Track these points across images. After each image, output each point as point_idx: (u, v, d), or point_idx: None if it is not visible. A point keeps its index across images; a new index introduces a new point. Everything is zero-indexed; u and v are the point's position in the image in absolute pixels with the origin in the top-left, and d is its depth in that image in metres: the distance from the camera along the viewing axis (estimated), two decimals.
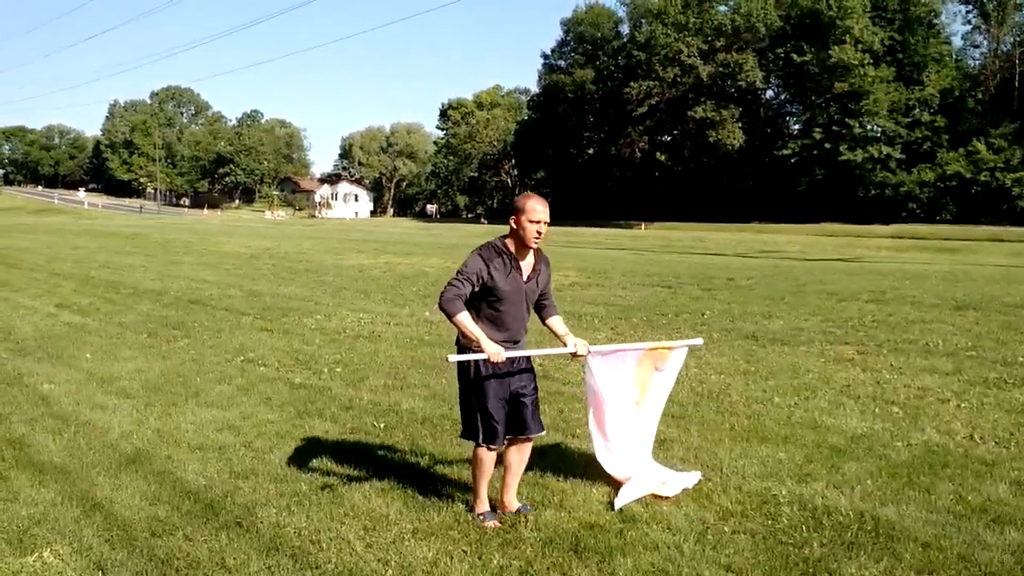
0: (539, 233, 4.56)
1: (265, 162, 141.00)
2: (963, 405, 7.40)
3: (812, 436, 6.31)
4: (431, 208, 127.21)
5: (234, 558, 4.18)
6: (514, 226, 4.57)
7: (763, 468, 5.50)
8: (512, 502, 4.80)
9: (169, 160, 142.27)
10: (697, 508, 4.76)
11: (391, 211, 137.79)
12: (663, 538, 4.35)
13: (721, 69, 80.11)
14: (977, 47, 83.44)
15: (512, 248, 4.61)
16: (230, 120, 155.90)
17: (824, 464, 5.59)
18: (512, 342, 4.65)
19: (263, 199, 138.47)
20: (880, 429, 6.56)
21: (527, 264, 4.68)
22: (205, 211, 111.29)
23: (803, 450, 5.95)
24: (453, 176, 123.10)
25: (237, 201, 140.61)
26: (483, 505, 4.72)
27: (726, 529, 4.50)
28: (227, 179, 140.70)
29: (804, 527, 4.48)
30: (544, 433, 4.90)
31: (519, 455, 4.84)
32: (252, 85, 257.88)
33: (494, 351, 4.38)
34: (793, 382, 8.33)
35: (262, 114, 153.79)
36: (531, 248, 4.63)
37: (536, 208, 4.53)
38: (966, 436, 6.38)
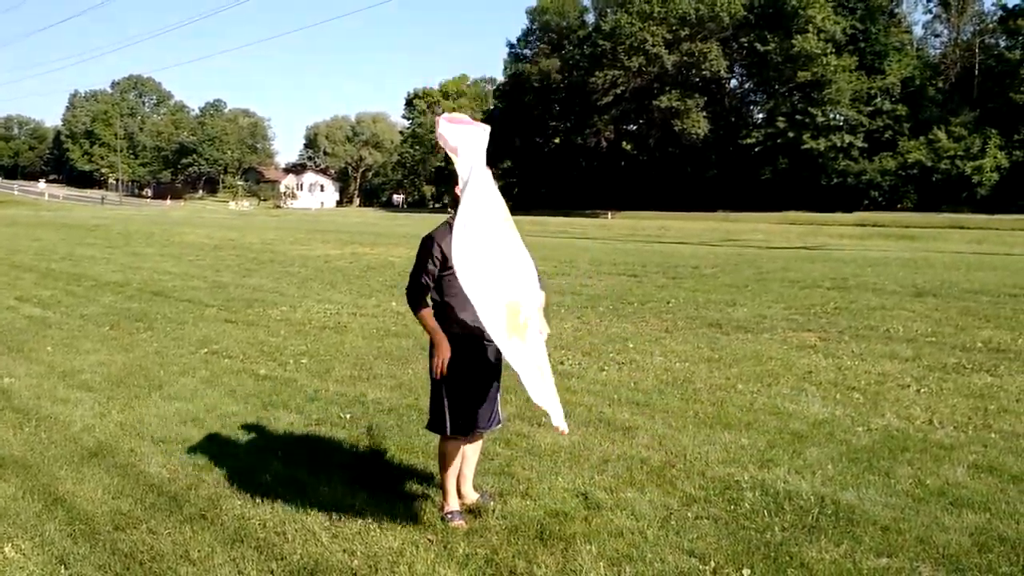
0: None
1: (229, 152, 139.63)
2: (922, 390, 7.53)
3: (774, 422, 6.40)
4: (397, 198, 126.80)
5: (198, 551, 4.17)
6: (458, 195, 4.48)
7: (726, 454, 5.57)
8: (470, 493, 4.79)
9: (131, 150, 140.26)
10: (661, 494, 4.82)
11: (357, 201, 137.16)
12: (627, 524, 4.39)
13: (686, 58, 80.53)
14: (938, 36, 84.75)
15: None
16: (193, 110, 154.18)
17: (786, 450, 5.67)
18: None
19: (227, 189, 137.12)
20: (841, 415, 6.66)
21: None
22: (168, 202, 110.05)
23: (765, 436, 6.03)
24: (419, 166, 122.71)
25: (201, 192, 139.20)
26: (452, 503, 4.60)
27: (689, 515, 4.55)
28: (190, 169, 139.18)
29: (766, 512, 4.55)
30: (500, 426, 4.84)
31: (475, 447, 4.80)
32: (215, 74, 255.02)
33: (442, 354, 4.35)
34: (756, 369, 8.42)
35: (225, 103, 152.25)
36: None
37: None
38: (925, 421, 6.50)
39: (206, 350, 9.56)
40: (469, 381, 4.50)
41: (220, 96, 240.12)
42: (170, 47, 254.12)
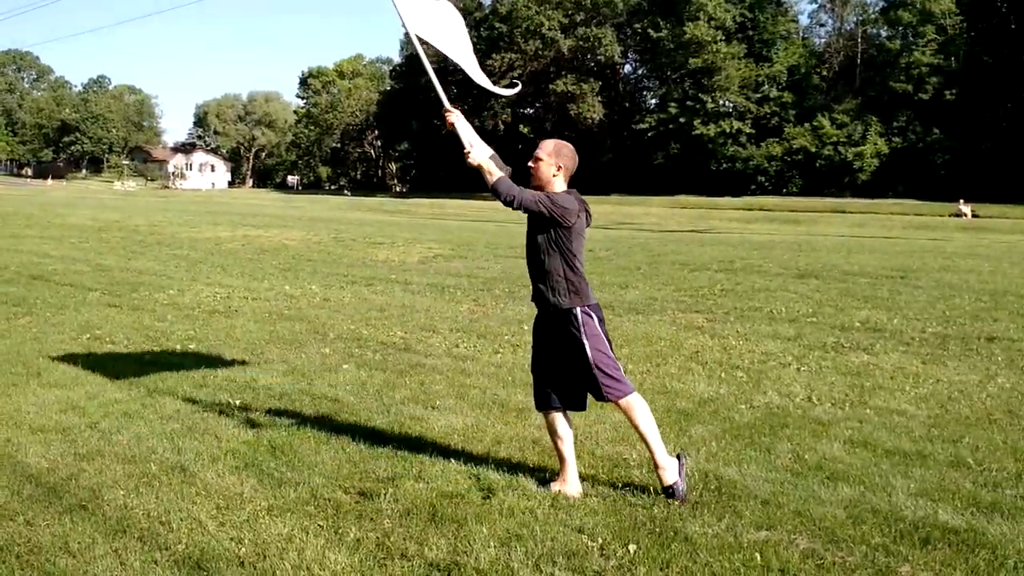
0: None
1: (114, 130, 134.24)
2: (803, 369, 7.83)
3: (662, 401, 6.56)
4: (292, 179, 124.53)
5: (78, 542, 4.04)
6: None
7: (615, 433, 5.69)
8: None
9: (9, 128, 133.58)
10: (552, 474, 4.88)
11: (250, 182, 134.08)
12: (519, 504, 4.44)
13: (581, 43, 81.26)
14: (822, 26, 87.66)
15: None
16: (75, 86, 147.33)
17: (673, 427, 5.82)
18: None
19: (112, 169, 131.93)
20: (725, 393, 6.88)
21: None
22: (49, 182, 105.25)
23: (654, 414, 6.14)
24: (315, 147, 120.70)
25: (84, 171, 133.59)
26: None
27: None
28: (73, 148, 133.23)
29: (652, 489, 4.65)
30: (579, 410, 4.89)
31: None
32: (98, 49, 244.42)
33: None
34: (646, 349, 8.62)
35: (110, 80, 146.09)
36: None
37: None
38: (805, 398, 6.76)
39: (88, 336, 9.24)
40: (537, 360, 4.85)
41: (104, 72, 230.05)
42: (50, 19, 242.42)
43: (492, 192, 4.62)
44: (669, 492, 4.53)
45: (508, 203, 4.56)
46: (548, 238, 4.62)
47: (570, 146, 4.80)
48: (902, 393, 6.94)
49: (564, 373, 4.70)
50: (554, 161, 4.69)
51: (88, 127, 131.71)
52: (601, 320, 4.67)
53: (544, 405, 4.80)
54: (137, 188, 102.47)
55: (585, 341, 4.56)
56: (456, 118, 5.01)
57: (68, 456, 5.24)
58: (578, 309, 4.60)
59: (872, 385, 7.21)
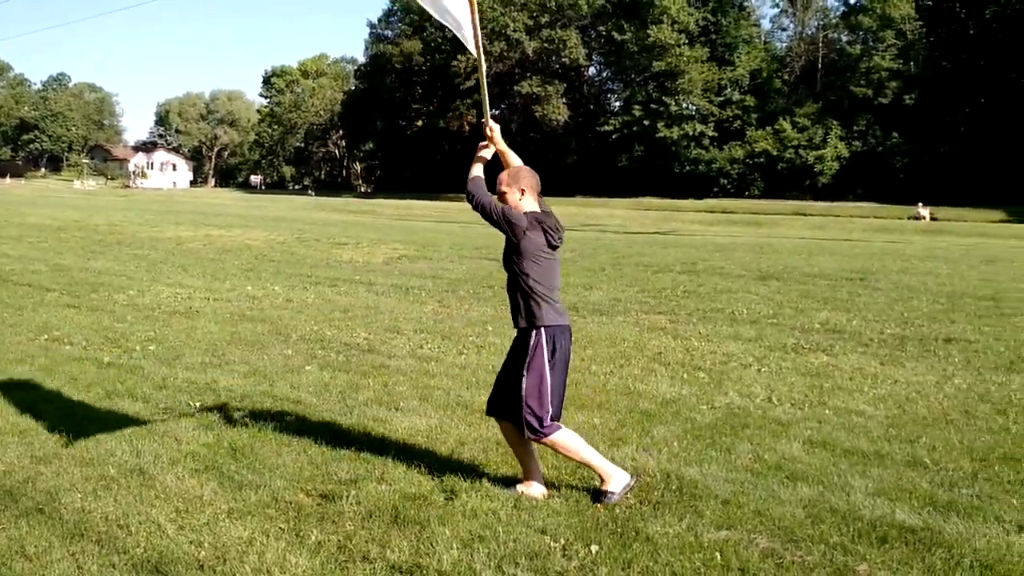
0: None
1: (73, 128, 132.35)
2: (763, 369, 7.91)
3: (625, 402, 6.60)
4: (255, 179, 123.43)
5: (35, 546, 3.97)
6: None
7: (579, 433, 5.69)
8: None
9: None
10: (515, 475, 4.89)
11: (212, 181, 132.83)
12: (482, 506, 4.44)
13: (546, 45, 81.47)
14: (784, 30, 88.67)
15: None
16: (34, 83, 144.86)
17: (635, 428, 5.85)
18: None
19: (72, 168, 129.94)
20: (687, 394, 6.93)
21: None
22: (7, 180, 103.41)
23: (616, 415, 6.21)
24: (278, 146, 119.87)
25: (43, 170, 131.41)
26: (607, 481, 4.56)
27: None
28: (32, 146, 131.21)
29: None
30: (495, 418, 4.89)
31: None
32: (58, 46, 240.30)
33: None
34: (610, 351, 8.65)
35: (69, 77, 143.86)
36: None
37: None
38: (765, 398, 6.83)
39: (46, 336, 9.09)
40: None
41: (64, 70, 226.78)
42: (8, 16, 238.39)
43: (466, 187, 4.76)
44: (599, 495, 4.55)
45: (469, 200, 4.68)
46: (508, 256, 4.66)
47: (525, 167, 4.84)
48: (860, 394, 7.03)
49: (505, 388, 4.73)
50: (515, 186, 4.70)
51: (48, 125, 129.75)
52: (557, 348, 4.59)
53: (493, 411, 4.84)
54: (97, 187, 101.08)
55: (525, 373, 4.55)
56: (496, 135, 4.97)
57: (25, 459, 5.15)
58: (534, 332, 4.58)
59: (831, 386, 7.30)
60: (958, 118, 67.14)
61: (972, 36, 69.27)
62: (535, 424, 4.53)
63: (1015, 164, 60.74)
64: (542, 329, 4.58)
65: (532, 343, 4.57)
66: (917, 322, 10.49)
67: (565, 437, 4.61)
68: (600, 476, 4.61)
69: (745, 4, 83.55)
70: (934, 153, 65.66)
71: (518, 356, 4.65)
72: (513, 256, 4.61)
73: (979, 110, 66.74)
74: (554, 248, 4.66)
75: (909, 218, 48.74)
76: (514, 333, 4.77)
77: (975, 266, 17.71)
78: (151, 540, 4.03)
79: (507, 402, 4.68)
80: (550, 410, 4.57)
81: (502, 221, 4.56)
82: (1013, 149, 61.50)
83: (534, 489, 4.65)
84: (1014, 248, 26.25)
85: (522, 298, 4.60)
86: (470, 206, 4.67)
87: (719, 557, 3.83)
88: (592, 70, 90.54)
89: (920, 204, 51.03)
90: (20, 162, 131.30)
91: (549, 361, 4.57)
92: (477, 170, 4.83)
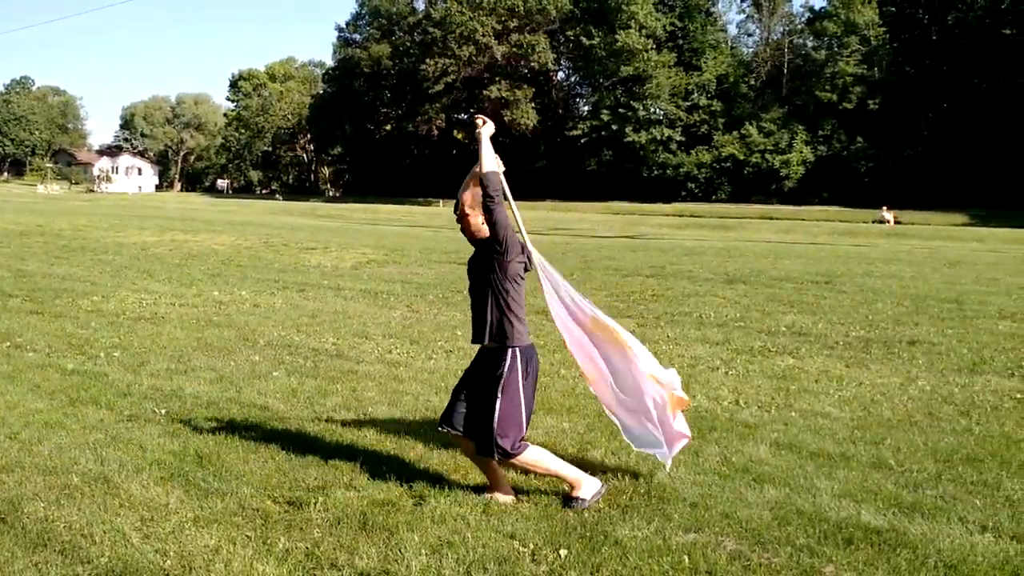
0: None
1: (37, 132, 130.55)
2: (730, 372, 7.97)
3: (594, 406, 6.58)
4: (222, 183, 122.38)
5: None
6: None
7: (547, 438, 5.71)
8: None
9: None
10: (484, 480, 4.88)
11: (179, 186, 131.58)
12: (450, 511, 4.43)
13: (515, 49, 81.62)
14: (750, 35, 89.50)
15: None
16: None
17: (603, 432, 5.86)
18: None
19: (36, 172, 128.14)
20: None
21: None
22: None
23: (585, 419, 6.23)
24: (245, 150, 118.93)
25: (6, 174, 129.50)
26: (577, 488, 4.58)
27: (510, 499, 4.65)
28: None
29: None
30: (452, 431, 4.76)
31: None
32: (20, 49, 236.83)
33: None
34: None
35: (32, 80, 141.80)
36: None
37: None
38: (732, 401, 6.88)
39: (8, 343, 8.95)
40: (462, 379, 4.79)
41: (27, 72, 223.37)
42: None
43: (483, 177, 4.52)
44: (569, 501, 4.55)
45: (490, 199, 4.46)
46: (486, 273, 4.58)
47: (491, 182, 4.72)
48: (826, 396, 7.10)
49: (473, 407, 4.67)
50: (478, 210, 4.59)
51: (10, 129, 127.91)
52: (530, 368, 4.60)
53: (450, 424, 4.72)
54: (62, 191, 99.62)
55: (499, 395, 4.52)
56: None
57: None
58: (509, 352, 4.55)
59: (797, 388, 7.36)
60: (921, 123, 68.11)
61: (935, 42, 70.38)
62: (507, 447, 4.49)
63: (978, 168, 61.82)
64: (517, 350, 4.55)
65: (507, 364, 4.52)
66: (882, 325, 10.62)
67: (533, 454, 4.61)
68: (570, 484, 4.61)
69: (712, 10, 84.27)
70: (898, 157, 66.57)
71: (487, 376, 4.59)
72: (493, 274, 4.54)
73: (942, 114, 67.78)
74: (527, 272, 4.69)
75: (874, 222, 49.32)
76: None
77: (938, 269, 17.95)
78: (116, 549, 3.98)
79: (474, 422, 4.62)
80: (523, 432, 4.57)
81: (504, 240, 4.49)
82: (975, 153, 62.59)
83: (503, 495, 4.65)
84: (976, 251, 26.65)
85: (497, 316, 4.55)
86: (484, 200, 4.48)
87: (687, 560, 3.85)
88: (561, 75, 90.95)
89: (884, 208, 51.67)
90: None
91: (523, 382, 4.55)
92: (493, 162, 4.60)
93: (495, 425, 4.48)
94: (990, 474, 5.10)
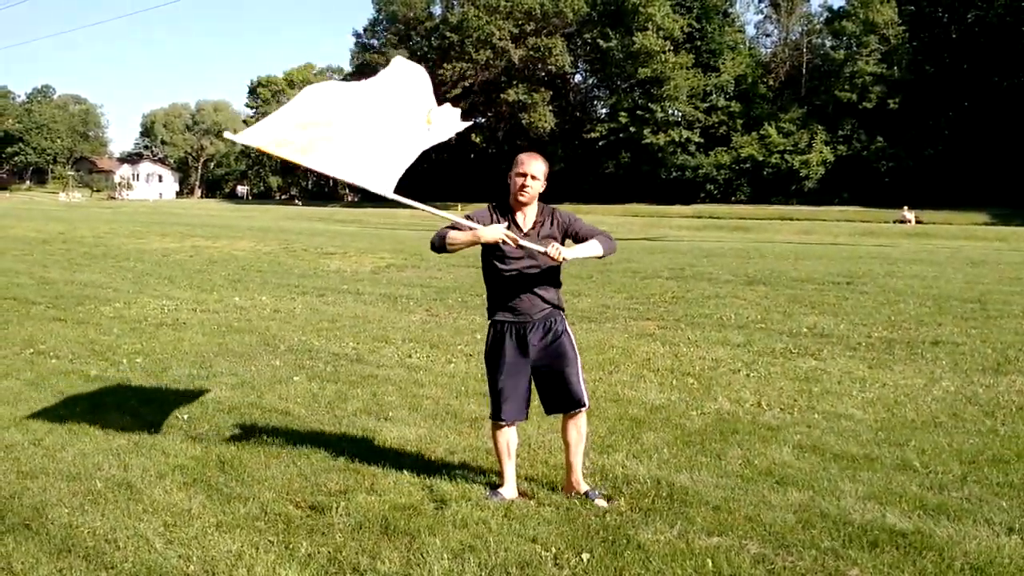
0: (523, 186, 4.58)
1: (58, 140, 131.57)
2: (752, 375, 7.92)
3: (614, 409, 6.59)
4: (242, 189, 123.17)
5: (22, 562, 3.94)
6: (508, 182, 4.66)
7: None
8: (578, 483, 4.79)
9: None
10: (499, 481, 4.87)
11: (199, 192, 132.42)
12: (472, 515, 4.42)
13: (532, 53, 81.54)
14: (768, 36, 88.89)
15: (511, 204, 4.69)
16: (18, 96, 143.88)
17: (625, 435, 5.85)
18: (521, 323, 4.69)
19: (57, 180, 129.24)
20: (676, 400, 6.93)
21: (526, 221, 4.70)
22: None
23: (606, 423, 6.21)
24: (265, 156, 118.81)
25: (28, 183, 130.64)
26: (503, 483, 4.79)
27: (532, 503, 4.64)
28: (16, 159, 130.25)
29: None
30: (586, 407, 4.76)
31: (570, 431, 4.76)
32: (42, 58, 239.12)
33: (487, 233, 4.50)
34: (599, 357, 8.64)
35: (54, 89, 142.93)
36: (522, 203, 4.66)
37: (521, 159, 4.67)
38: (754, 404, 6.84)
39: (32, 350, 9.03)
40: (515, 363, 4.71)
41: (48, 81, 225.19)
42: None
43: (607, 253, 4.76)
44: (496, 488, 4.78)
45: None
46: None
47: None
48: (849, 398, 7.05)
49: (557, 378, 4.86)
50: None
51: (32, 137, 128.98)
52: (498, 339, 4.74)
53: (556, 409, 4.91)
54: (83, 199, 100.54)
55: (576, 354, 4.78)
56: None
57: (11, 474, 5.11)
58: (562, 314, 4.81)
59: (820, 390, 7.31)
60: (942, 121, 67.49)
61: (954, 40, 69.77)
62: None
63: (999, 166, 61.20)
64: (492, 321, 4.83)
65: (565, 325, 4.78)
66: (904, 325, 10.53)
67: (498, 435, 4.81)
68: (503, 475, 4.79)
69: (729, 11, 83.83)
70: (918, 157, 65.99)
71: (552, 344, 4.69)
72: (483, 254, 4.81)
73: (962, 113, 67.14)
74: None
75: (895, 222, 48.92)
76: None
77: (961, 268, 17.78)
78: (139, 555, 4.00)
79: (568, 392, 4.70)
80: (500, 395, 4.81)
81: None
82: (996, 151, 61.97)
83: (506, 491, 4.77)
84: (999, 250, 26.39)
85: (557, 287, 4.79)
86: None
87: (710, 564, 3.83)
88: (578, 77, 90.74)
89: (905, 207, 51.25)
90: (4, 175, 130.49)
91: (498, 351, 4.79)
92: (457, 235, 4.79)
93: (581, 377, 4.77)
94: (1016, 475, 5.04)
